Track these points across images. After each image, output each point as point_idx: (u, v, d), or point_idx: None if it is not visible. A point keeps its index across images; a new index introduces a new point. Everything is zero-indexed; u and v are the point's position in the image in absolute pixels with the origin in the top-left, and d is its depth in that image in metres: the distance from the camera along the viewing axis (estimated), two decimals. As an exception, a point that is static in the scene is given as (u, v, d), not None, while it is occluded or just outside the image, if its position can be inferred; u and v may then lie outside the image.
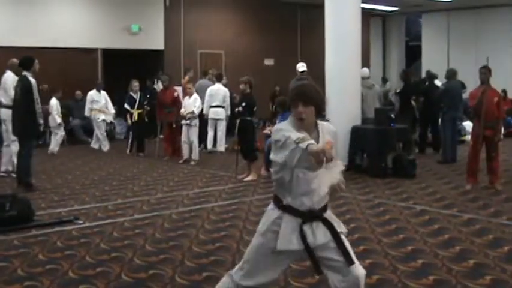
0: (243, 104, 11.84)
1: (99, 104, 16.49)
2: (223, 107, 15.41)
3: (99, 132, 16.52)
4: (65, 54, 18.93)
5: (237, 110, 12.10)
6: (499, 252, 6.80)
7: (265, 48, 24.25)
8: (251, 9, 23.84)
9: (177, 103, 14.69)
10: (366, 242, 7.25)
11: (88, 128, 17.72)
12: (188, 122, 13.93)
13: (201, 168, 13.22)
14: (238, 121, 12.00)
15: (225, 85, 15.92)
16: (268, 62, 24.54)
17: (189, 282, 5.88)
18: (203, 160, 14.11)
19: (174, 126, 14.62)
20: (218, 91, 15.37)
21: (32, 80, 10.43)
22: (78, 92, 18.44)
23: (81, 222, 8.31)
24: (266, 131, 13.56)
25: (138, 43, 20.67)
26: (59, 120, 16.03)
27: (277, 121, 13.40)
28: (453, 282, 5.81)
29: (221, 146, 15.80)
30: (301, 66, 14.70)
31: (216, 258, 6.59)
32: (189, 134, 13.91)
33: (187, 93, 14.51)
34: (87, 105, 16.67)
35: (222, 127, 15.65)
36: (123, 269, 6.23)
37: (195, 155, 13.95)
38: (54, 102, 16.06)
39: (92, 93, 16.65)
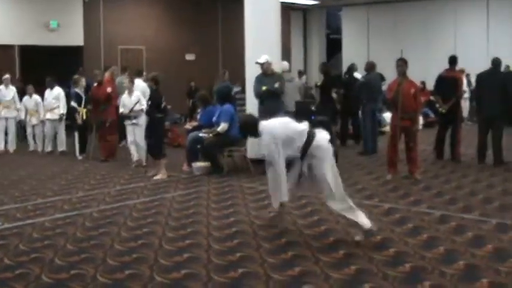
0: (149, 102, 11.85)
1: (5, 99, 15.72)
2: None
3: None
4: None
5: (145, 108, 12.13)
6: (419, 240, 6.96)
7: (186, 43, 24.19)
8: (172, 4, 23.73)
9: (111, 100, 13.99)
10: (288, 234, 7.32)
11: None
12: (135, 121, 12.91)
13: (123, 165, 13.03)
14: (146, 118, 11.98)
15: (145, 81, 15.72)
16: (190, 57, 24.49)
17: (112, 280, 5.81)
18: (124, 157, 13.73)
19: (108, 125, 13.73)
20: (138, 87, 15.04)
21: None
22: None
23: (-1, 224, 8.12)
24: (187, 126, 13.48)
25: (57, 39, 20.29)
26: (22, 116, 15.76)
27: (198, 116, 13.38)
28: (374, 271, 5.91)
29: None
30: (262, 58, 12.06)
31: (139, 256, 6.52)
32: (135, 135, 12.89)
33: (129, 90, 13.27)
34: None
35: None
36: (43, 270, 6.09)
37: (142, 156, 13.02)
38: (24, 99, 15.87)
39: (1, 88, 15.84)
